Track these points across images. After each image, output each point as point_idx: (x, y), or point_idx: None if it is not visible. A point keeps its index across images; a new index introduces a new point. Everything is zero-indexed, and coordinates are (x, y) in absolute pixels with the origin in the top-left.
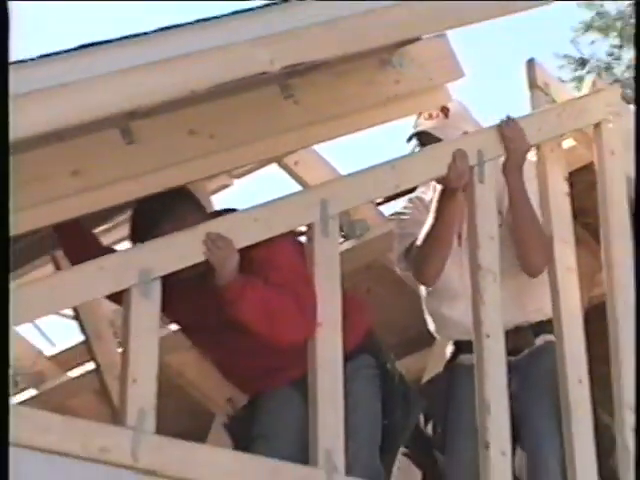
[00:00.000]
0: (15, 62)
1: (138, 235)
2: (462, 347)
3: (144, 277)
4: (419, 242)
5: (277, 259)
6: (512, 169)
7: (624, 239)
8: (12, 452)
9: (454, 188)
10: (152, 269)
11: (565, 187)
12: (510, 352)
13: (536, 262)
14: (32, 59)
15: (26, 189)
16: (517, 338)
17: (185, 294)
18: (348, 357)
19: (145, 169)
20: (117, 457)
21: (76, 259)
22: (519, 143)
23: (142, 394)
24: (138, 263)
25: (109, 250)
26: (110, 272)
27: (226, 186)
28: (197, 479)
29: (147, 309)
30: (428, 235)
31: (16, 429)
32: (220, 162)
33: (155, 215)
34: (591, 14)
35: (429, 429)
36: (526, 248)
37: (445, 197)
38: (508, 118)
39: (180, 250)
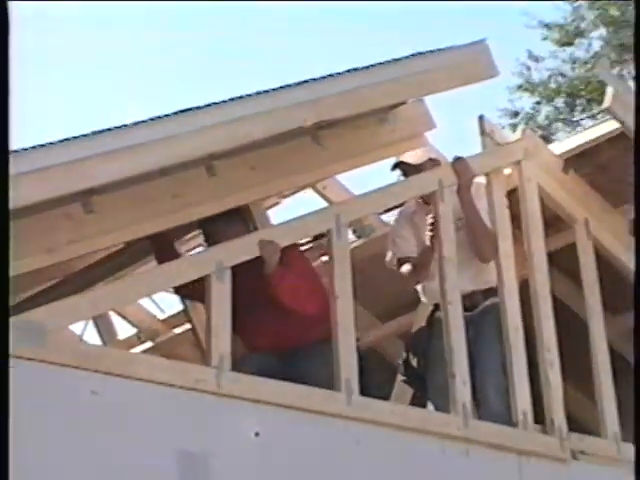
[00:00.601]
0: (135, 123)
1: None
2: (437, 307)
3: (219, 267)
4: (412, 263)
5: (296, 259)
6: (462, 191)
7: (538, 237)
8: (135, 385)
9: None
10: (224, 261)
11: (505, 201)
12: (468, 309)
13: (486, 253)
14: (145, 120)
15: (140, 208)
16: (473, 299)
17: (242, 283)
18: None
19: (222, 193)
20: (206, 386)
21: (161, 260)
22: (466, 174)
23: (221, 345)
24: (215, 257)
25: (179, 256)
26: (196, 264)
27: (277, 204)
28: (259, 399)
29: (222, 288)
30: (418, 265)
31: (137, 369)
32: (272, 188)
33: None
34: (521, 80)
35: (414, 362)
36: (478, 244)
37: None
38: (458, 157)
39: (243, 249)
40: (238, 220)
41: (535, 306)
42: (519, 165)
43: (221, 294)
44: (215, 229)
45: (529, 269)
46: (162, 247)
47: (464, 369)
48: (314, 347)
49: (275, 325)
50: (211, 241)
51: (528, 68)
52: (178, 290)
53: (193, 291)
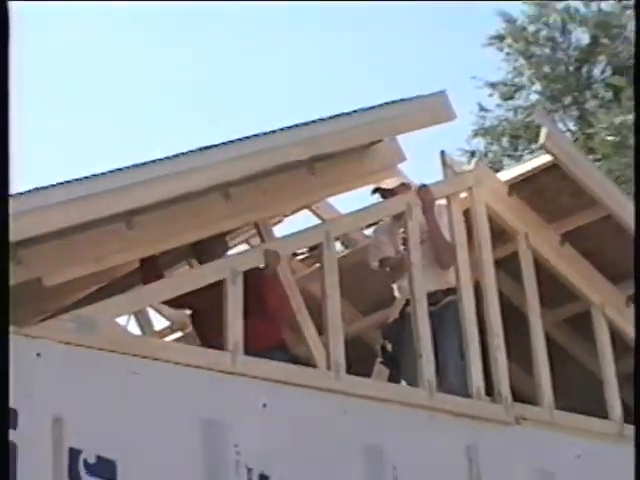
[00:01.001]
0: (165, 157)
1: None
2: (408, 302)
3: (233, 272)
4: (390, 264)
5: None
6: (426, 211)
7: (487, 245)
8: (168, 366)
9: None
10: (237, 267)
11: (462, 218)
12: (432, 304)
13: (445, 261)
14: (173, 155)
15: (171, 225)
16: (436, 297)
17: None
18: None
19: (236, 212)
20: (223, 367)
21: (145, 282)
22: (428, 198)
23: (235, 334)
24: (229, 264)
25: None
26: (214, 270)
27: (280, 221)
28: (266, 377)
29: (235, 290)
30: (395, 267)
31: (169, 354)
32: (276, 209)
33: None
34: (476, 127)
35: (390, 347)
36: (439, 254)
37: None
38: (422, 185)
39: (251, 257)
40: (223, 242)
41: (485, 302)
42: (472, 190)
43: (235, 294)
44: (206, 249)
45: (480, 273)
46: (150, 271)
47: (429, 352)
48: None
49: (260, 325)
50: (203, 258)
51: (482, 117)
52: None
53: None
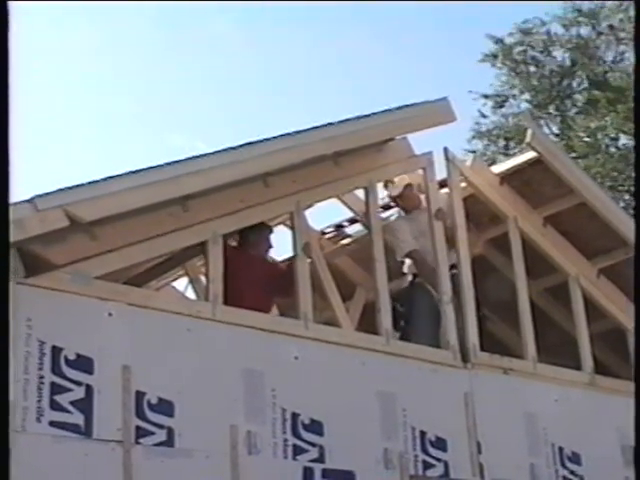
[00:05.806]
0: (215, 151)
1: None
2: (416, 276)
3: (214, 235)
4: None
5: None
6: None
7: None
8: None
9: None
10: (217, 231)
11: (461, 203)
12: None
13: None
14: (221, 150)
15: (219, 209)
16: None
17: None
18: None
19: (272, 198)
20: (206, 315)
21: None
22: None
23: (216, 289)
24: (211, 228)
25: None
26: (197, 232)
27: (310, 206)
28: (242, 323)
29: (216, 250)
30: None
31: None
32: (308, 196)
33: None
34: (473, 132)
35: (399, 307)
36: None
37: None
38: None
39: (231, 222)
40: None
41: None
42: (470, 180)
43: (216, 254)
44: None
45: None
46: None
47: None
48: None
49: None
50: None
51: (478, 124)
52: None
53: None
